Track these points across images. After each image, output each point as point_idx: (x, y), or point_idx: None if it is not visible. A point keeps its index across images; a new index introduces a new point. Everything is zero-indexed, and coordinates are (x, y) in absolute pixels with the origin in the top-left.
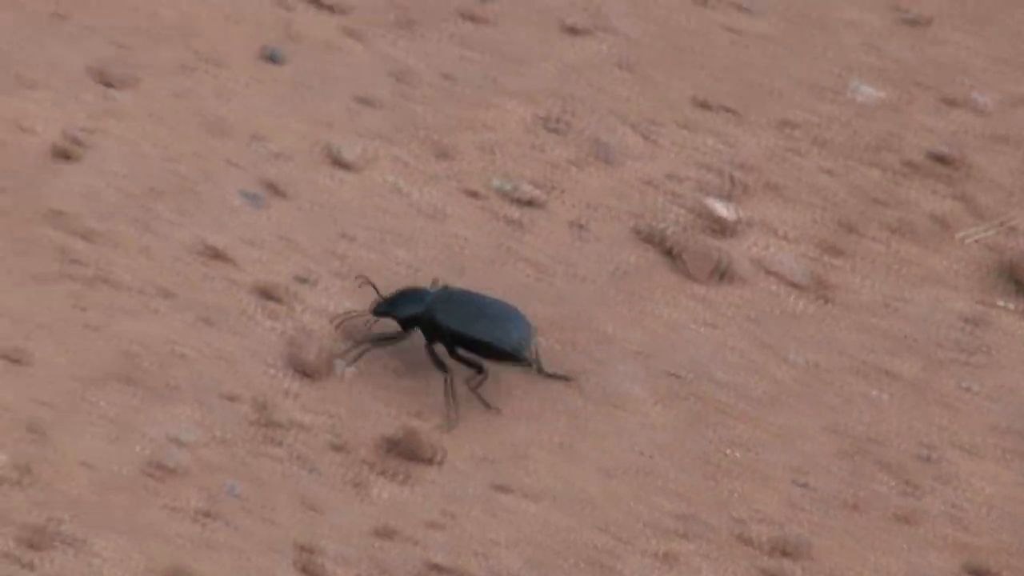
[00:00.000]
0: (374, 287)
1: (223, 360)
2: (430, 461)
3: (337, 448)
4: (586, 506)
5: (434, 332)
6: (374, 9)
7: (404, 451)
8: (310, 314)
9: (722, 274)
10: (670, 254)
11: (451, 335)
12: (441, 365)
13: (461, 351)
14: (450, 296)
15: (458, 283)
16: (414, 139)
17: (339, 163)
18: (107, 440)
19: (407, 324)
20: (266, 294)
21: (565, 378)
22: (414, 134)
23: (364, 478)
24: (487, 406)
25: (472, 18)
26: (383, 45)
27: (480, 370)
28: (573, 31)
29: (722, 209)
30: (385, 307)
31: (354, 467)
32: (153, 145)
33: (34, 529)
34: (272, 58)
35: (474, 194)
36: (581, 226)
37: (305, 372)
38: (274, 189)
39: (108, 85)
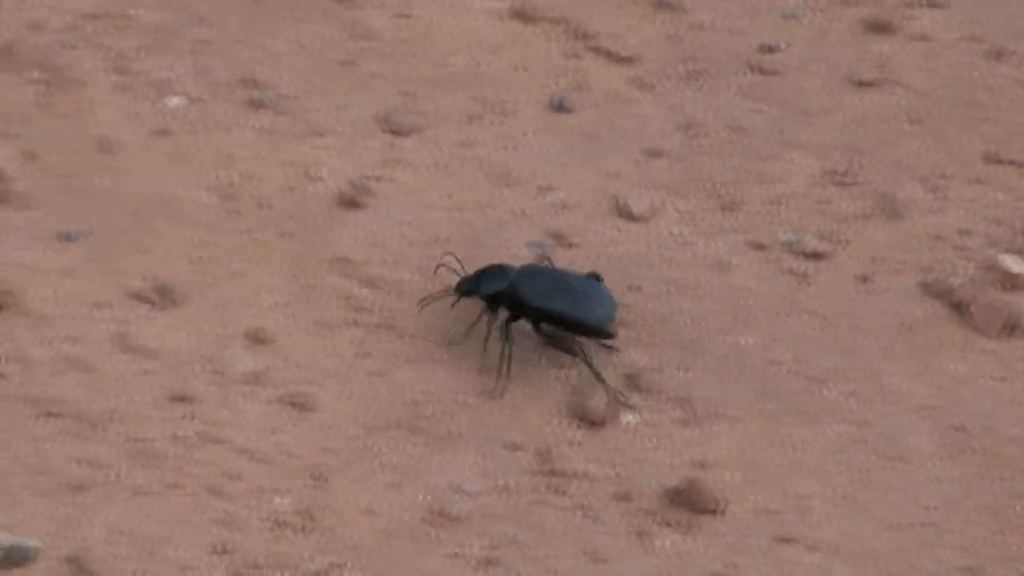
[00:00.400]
0: (457, 266)
1: (506, 408)
2: (713, 511)
3: (620, 498)
4: (870, 559)
5: (518, 308)
6: (662, 60)
7: (687, 501)
8: (595, 363)
9: (1012, 328)
10: (958, 308)
11: (535, 310)
12: (506, 338)
13: (545, 327)
14: (533, 272)
15: (742, 335)
16: (701, 191)
17: (626, 214)
18: (389, 487)
19: (491, 301)
20: (550, 343)
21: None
22: (701, 186)
23: (647, 528)
24: (629, 405)
25: (760, 70)
26: (671, 96)
27: (569, 351)
28: (862, 84)
29: (1013, 264)
30: (469, 285)
31: (637, 517)
32: (438, 194)
33: (316, 575)
34: (560, 108)
35: (760, 246)
36: (867, 279)
37: (589, 421)
38: (561, 239)
39: (394, 133)
